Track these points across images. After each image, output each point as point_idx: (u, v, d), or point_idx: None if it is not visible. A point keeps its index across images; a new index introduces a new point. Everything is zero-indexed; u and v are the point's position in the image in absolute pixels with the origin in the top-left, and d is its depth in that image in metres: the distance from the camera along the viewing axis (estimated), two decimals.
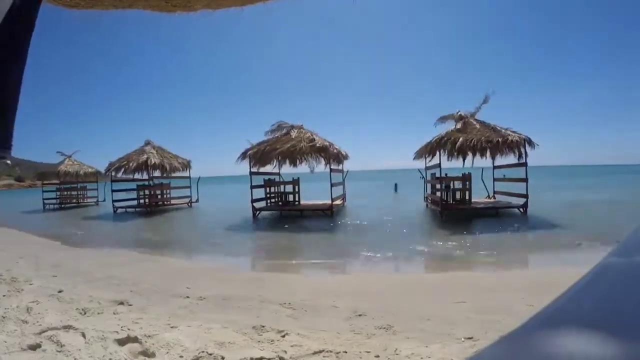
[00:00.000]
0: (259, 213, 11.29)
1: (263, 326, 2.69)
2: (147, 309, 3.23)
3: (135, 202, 14.76)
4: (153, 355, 2.20)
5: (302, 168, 12.98)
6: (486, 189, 12.66)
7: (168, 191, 15.89)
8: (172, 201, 15.91)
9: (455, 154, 11.02)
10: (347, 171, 13.46)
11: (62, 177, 18.60)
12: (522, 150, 10.46)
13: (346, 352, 2.25)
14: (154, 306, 3.36)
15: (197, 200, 15.91)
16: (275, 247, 7.20)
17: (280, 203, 12.26)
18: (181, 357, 2.17)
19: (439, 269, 5.52)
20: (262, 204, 11.73)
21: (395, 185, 22.06)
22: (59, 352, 2.20)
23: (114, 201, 14.50)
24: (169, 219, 12.84)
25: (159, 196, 15.32)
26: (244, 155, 11.69)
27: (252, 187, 11.24)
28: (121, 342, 2.31)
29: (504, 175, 12.53)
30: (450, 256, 5.94)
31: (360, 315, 3.10)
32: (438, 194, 11.33)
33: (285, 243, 7.55)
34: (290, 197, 12.26)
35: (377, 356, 2.21)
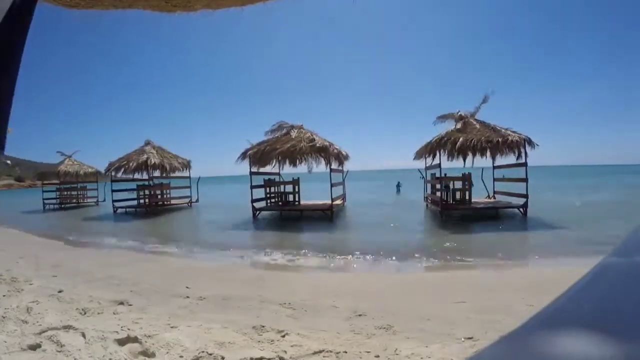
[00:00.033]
0: (259, 213, 11.29)
1: (263, 326, 2.69)
2: (147, 309, 3.23)
3: (135, 202, 14.76)
4: (153, 355, 2.20)
5: (302, 168, 12.99)
6: (486, 189, 12.66)
7: (168, 191, 15.89)
8: (172, 201, 15.91)
9: (455, 154, 11.02)
10: (347, 171, 13.46)
11: (62, 177, 18.61)
12: (522, 150, 10.46)
13: (346, 352, 2.25)
14: (154, 306, 3.36)
15: (197, 200, 15.91)
16: (275, 247, 7.20)
17: (280, 203, 12.25)
18: (181, 357, 2.17)
19: (438, 269, 5.52)
20: (262, 204, 11.73)
21: (398, 185, 21.52)
22: (59, 352, 2.20)
23: (114, 201, 14.50)
24: (169, 219, 12.84)
25: (159, 196, 15.32)
26: (244, 155, 11.69)
27: (252, 187, 11.24)
28: (121, 342, 2.32)
29: (503, 176, 12.53)
30: (450, 256, 5.94)
31: (360, 315, 3.10)
32: (438, 194, 11.33)
33: (285, 243, 7.55)
34: (290, 197, 12.26)
35: (377, 356, 2.21)
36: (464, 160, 11.43)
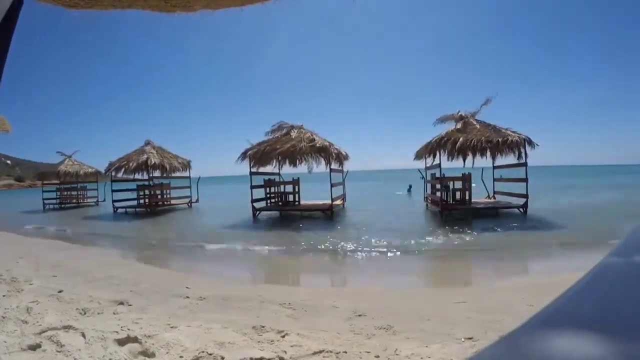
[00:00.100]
0: (259, 213, 11.29)
1: (263, 326, 2.68)
2: (147, 309, 3.23)
3: (135, 202, 14.76)
4: (153, 355, 2.20)
5: (302, 168, 13.00)
6: (486, 189, 12.66)
7: (168, 191, 15.88)
8: (172, 201, 15.91)
9: (455, 154, 11.02)
10: (347, 171, 13.47)
11: (62, 177, 18.61)
12: (522, 150, 10.46)
13: (346, 353, 2.25)
14: (154, 306, 3.35)
15: (197, 201, 15.91)
16: (276, 247, 7.20)
17: (280, 203, 12.26)
18: (181, 357, 2.17)
19: (438, 269, 5.52)
20: (262, 204, 11.73)
21: (410, 188, 19.78)
22: (59, 352, 2.20)
23: (113, 201, 14.50)
24: (169, 218, 12.84)
25: (159, 196, 15.32)
26: (244, 156, 11.69)
27: (252, 187, 11.25)
28: (121, 342, 2.32)
29: (501, 176, 12.53)
30: (450, 256, 5.94)
31: (360, 315, 3.10)
32: (438, 194, 11.33)
33: (286, 243, 7.54)
34: (290, 197, 12.26)
35: (377, 356, 2.21)
36: (464, 161, 11.44)
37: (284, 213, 11.59)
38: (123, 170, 14.87)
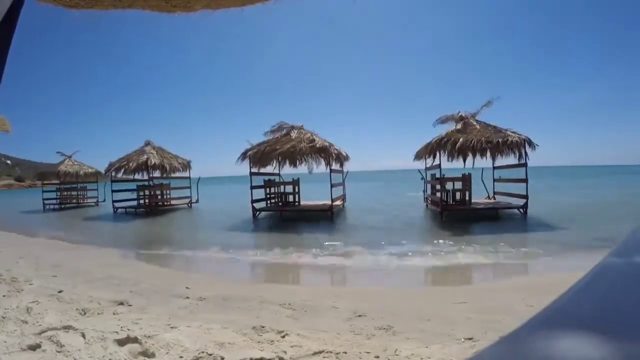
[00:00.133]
0: (259, 213, 11.29)
1: (263, 326, 2.68)
2: (147, 309, 3.23)
3: (135, 203, 14.77)
4: (153, 355, 2.20)
5: (302, 169, 12.98)
6: (486, 189, 12.66)
7: (168, 191, 15.89)
8: (172, 201, 15.91)
9: (455, 154, 11.02)
10: (347, 172, 13.47)
11: (62, 177, 18.61)
12: (523, 150, 10.46)
13: (346, 353, 2.25)
14: (154, 306, 3.35)
15: (197, 201, 15.91)
16: (276, 248, 7.19)
17: (280, 203, 12.25)
18: (181, 357, 2.17)
19: (438, 269, 5.52)
20: (262, 204, 11.73)
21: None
22: (59, 352, 2.20)
23: (113, 201, 14.50)
24: (169, 219, 12.84)
25: (159, 196, 15.33)
26: (244, 156, 11.69)
27: (252, 187, 11.24)
28: (121, 343, 2.31)
29: (499, 177, 12.54)
30: (450, 256, 5.94)
31: (360, 315, 3.10)
32: (438, 194, 11.33)
33: (286, 243, 7.54)
34: (291, 198, 12.26)
35: (377, 357, 2.21)
36: (464, 161, 11.43)
37: (284, 213, 11.58)
38: (123, 170, 14.87)
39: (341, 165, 12.66)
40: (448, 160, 11.39)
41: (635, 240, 0.33)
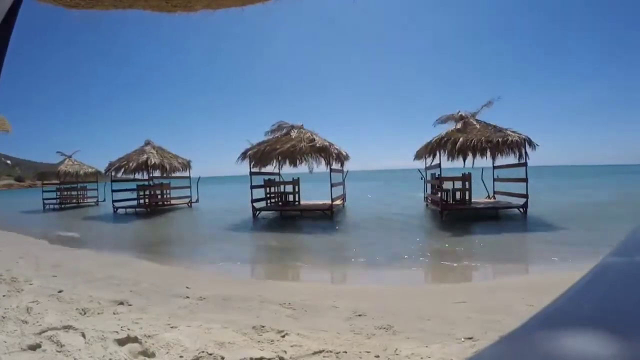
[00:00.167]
0: (259, 213, 11.29)
1: (263, 326, 2.68)
2: (147, 309, 3.23)
3: (135, 202, 14.76)
4: (153, 355, 2.20)
5: (302, 168, 13.00)
6: (486, 189, 12.66)
7: (168, 191, 15.89)
8: (172, 201, 15.91)
9: (455, 154, 11.02)
10: (347, 171, 13.47)
11: (62, 177, 18.60)
12: (523, 150, 10.47)
13: (346, 352, 2.25)
14: (154, 306, 3.36)
15: (197, 201, 15.91)
16: (276, 247, 7.20)
17: (280, 203, 12.26)
18: (181, 357, 2.17)
19: (438, 269, 5.52)
20: (262, 204, 11.74)
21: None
22: (59, 352, 2.20)
23: (114, 201, 14.50)
24: (169, 219, 12.84)
25: (159, 196, 15.32)
26: (244, 156, 11.69)
27: (252, 187, 11.25)
28: (121, 342, 2.32)
29: (497, 176, 12.54)
30: (450, 256, 5.94)
31: (360, 315, 3.10)
32: (438, 194, 11.34)
33: (286, 243, 7.55)
34: (290, 197, 12.26)
35: (377, 356, 2.21)
36: (464, 161, 11.43)
37: (284, 213, 11.59)
38: (123, 170, 14.87)
39: (341, 165, 12.66)
40: (448, 160, 11.41)
41: (635, 240, 0.33)
